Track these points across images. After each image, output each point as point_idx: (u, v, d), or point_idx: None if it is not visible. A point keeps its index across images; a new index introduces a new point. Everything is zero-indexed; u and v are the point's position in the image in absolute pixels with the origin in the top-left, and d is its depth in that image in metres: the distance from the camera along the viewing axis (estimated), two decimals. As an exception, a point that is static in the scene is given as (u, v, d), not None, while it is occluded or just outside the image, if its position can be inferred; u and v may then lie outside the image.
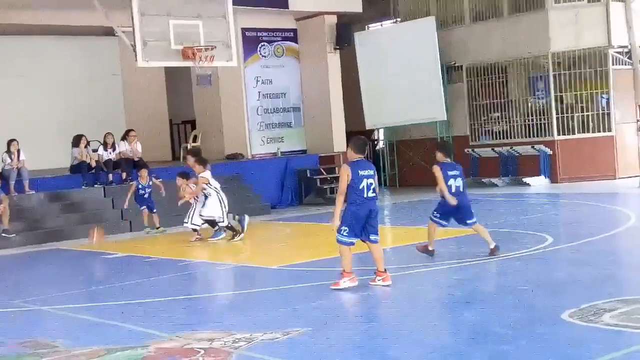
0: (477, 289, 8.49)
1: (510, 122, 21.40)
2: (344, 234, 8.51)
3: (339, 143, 21.63)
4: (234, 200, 18.11)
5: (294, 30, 21.80)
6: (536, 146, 20.60)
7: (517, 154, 21.07)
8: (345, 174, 8.48)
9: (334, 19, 21.47)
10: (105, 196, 17.08)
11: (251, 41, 21.01)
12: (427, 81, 20.88)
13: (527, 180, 20.33)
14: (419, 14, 22.82)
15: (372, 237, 8.64)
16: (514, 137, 21.26)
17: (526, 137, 21.02)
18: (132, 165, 17.53)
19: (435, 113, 21.11)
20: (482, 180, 21.22)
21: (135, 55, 14.76)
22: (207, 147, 21.44)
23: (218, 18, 15.80)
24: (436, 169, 10.06)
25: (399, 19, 23.78)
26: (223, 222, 13.63)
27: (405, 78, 21.07)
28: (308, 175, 20.16)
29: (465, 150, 21.90)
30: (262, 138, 21.32)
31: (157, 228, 15.68)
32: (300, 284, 9.36)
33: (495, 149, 21.47)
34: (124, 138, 17.95)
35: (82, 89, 21.14)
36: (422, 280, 9.25)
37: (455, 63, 22.15)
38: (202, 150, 16.08)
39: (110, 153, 17.56)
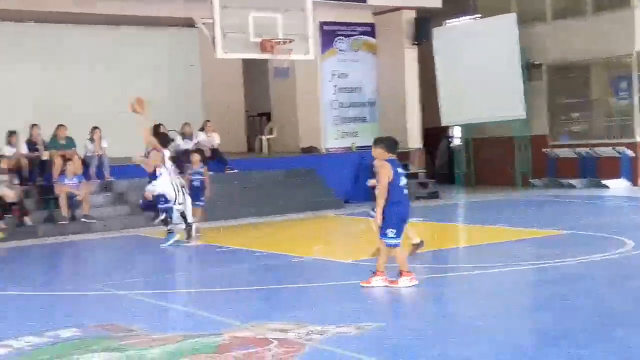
0: (555, 291, 8.34)
1: (590, 123, 20.94)
2: (391, 235, 8.34)
3: (414, 139, 21.52)
4: (307, 193, 18.28)
5: (372, 25, 21.75)
6: (617, 148, 20.11)
7: (597, 155, 20.60)
8: (386, 170, 8.25)
9: (412, 14, 21.35)
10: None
11: (328, 35, 21.05)
12: (506, 79, 20.57)
13: (606, 182, 19.86)
14: (499, 10, 22.45)
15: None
16: (594, 138, 20.80)
17: (607, 138, 20.54)
18: (209, 155, 17.76)
19: (513, 111, 20.78)
20: (560, 181, 20.82)
21: (215, 47, 14.95)
22: (282, 140, 21.65)
23: (297, 11, 15.89)
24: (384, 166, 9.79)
25: (478, 15, 23.47)
26: (173, 204, 12.80)
27: (483, 75, 20.80)
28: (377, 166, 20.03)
29: (543, 149, 21.52)
30: (337, 132, 21.34)
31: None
32: (373, 279, 9.34)
33: (575, 149, 21.04)
34: (202, 128, 18.22)
35: (162, 79, 21.50)
36: (499, 280, 9.13)
37: (535, 61, 21.75)
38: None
39: (187, 142, 17.83)
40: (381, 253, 8.56)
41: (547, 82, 21.71)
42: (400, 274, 8.47)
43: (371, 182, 9.80)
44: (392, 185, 8.28)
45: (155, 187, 12.63)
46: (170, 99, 21.40)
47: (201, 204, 14.55)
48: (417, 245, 10.57)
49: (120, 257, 12.47)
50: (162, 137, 13.08)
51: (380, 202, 8.31)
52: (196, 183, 14.93)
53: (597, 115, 20.81)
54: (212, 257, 12.00)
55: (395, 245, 8.43)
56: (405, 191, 8.42)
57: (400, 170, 8.40)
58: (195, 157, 15.25)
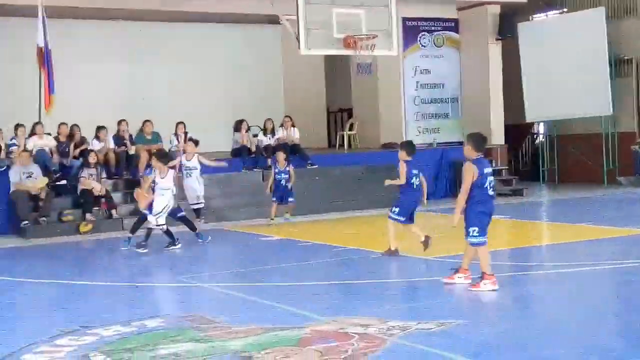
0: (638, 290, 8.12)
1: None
2: (475, 234, 8.29)
3: (497, 135, 21.20)
4: (387, 189, 18.17)
5: (455, 20, 21.51)
6: None
7: (689, 154, 19.92)
8: (470, 172, 8.23)
9: (497, 9, 21.03)
10: (263, 180, 17.48)
11: (411, 31, 20.92)
12: (594, 74, 20.05)
13: (698, 181, 19.21)
14: (588, 4, 21.94)
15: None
16: (686, 136, 20.11)
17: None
18: (291, 151, 17.88)
19: (600, 107, 20.25)
20: (648, 179, 20.23)
21: (299, 43, 15.02)
22: (363, 136, 21.62)
23: (380, 7, 15.83)
24: (402, 165, 10.62)
25: (565, 9, 22.95)
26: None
27: (570, 71, 20.33)
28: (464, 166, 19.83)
29: (632, 147, 20.90)
30: (418, 128, 21.19)
31: (272, 219, 15.22)
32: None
33: (664, 147, 20.39)
34: (281, 125, 18.38)
35: (245, 76, 21.76)
36: (584, 279, 8.93)
37: (625, 56, 21.15)
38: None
39: (269, 138, 18.00)
40: (467, 252, 8.48)
41: (636, 78, 21.08)
42: (482, 276, 8.34)
43: (387, 181, 11.13)
44: (476, 185, 8.24)
45: (157, 218, 12.29)
46: (252, 95, 21.65)
47: (291, 201, 15.02)
48: (426, 242, 10.70)
49: (203, 250, 12.65)
50: (162, 158, 12.65)
51: (461, 202, 8.30)
52: (282, 182, 15.12)
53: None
54: (293, 251, 12.08)
55: (479, 244, 8.34)
56: (491, 191, 8.36)
57: (487, 170, 8.34)
58: (281, 156, 15.47)
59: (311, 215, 16.33)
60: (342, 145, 21.74)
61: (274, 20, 17.87)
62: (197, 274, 10.25)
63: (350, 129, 21.94)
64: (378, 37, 15.55)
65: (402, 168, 10.61)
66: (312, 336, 6.61)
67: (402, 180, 10.62)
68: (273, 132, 18.15)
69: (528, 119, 22.12)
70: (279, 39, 21.77)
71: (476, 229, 8.26)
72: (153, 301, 8.59)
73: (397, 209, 10.68)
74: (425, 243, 10.70)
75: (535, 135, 25.04)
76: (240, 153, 17.76)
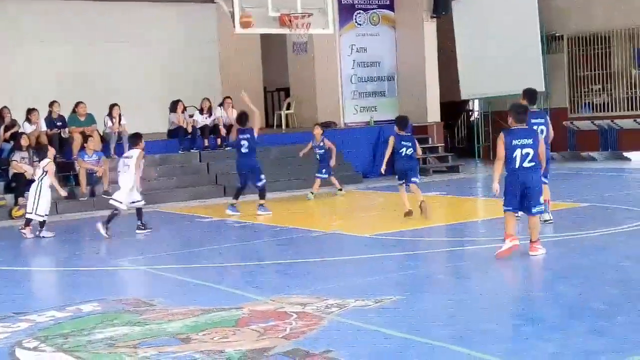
0: (576, 263, 8.30)
1: (612, 95, 20.72)
2: (503, 202, 8.58)
3: (433, 113, 21.38)
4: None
5: (391, -2, 21.58)
6: (639, 120, 19.89)
7: (618, 128, 20.40)
8: (500, 143, 8.54)
9: (431, -13, 21.15)
10: (200, 161, 17.41)
11: (347, 9, 20.91)
12: (526, 51, 20.34)
13: (627, 154, 19.68)
14: (520, -19, 22.21)
15: (533, 209, 8.54)
16: (616, 110, 20.58)
17: (629, 110, 20.32)
18: (228, 131, 17.78)
19: (533, 84, 20.37)
20: (581, 153, 20.67)
21: (233, 22, 14.88)
22: (301, 115, 21.60)
23: (315, -15, 15.76)
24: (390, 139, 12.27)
25: (498, -13, 23.20)
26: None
27: (503, 48, 20.59)
28: (421, 153, 19.97)
29: (564, 122, 21.32)
30: (356, 107, 21.26)
31: (339, 190, 15.76)
32: (393, 253, 9.36)
33: (595, 122, 20.85)
34: (221, 104, 18.23)
35: (180, 55, 21.51)
36: (519, 253, 9.09)
37: (556, 33, 21.51)
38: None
39: (206, 118, 17.85)
40: (505, 219, 8.66)
41: (568, 54, 21.48)
42: (504, 237, 8.58)
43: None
44: (506, 157, 8.47)
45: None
46: (189, 75, 21.43)
47: (324, 176, 15.27)
48: (408, 213, 11.82)
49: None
50: None
51: (495, 168, 8.67)
52: (318, 156, 15.48)
53: (619, 87, 20.58)
54: (232, 232, 12.03)
55: (507, 211, 8.58)
56: (526, 163, 8.41)
57: (517, 141, 8.45)
58: (317, 131, 15.67)
59: (250, 195, 16.26)
60: (279, 124, 21.69)
61: (209, -1, 17.69)
62: (133, 257, 10.14)
63: (288, 108, 21.90)
64: (313, 15, 15.49)
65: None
66: (250, 316, 6.61)
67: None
68: (210, 112, 17.99)
69: (463, 96, 22.37)
70: (214, 18, 21.56)
71: (504, 197, 8.57)
72: (88, 285, 8.46)
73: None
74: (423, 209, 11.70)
75: (470, 112, 25.35)
76: (176, 134, 17.58)
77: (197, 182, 16.92)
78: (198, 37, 21.90)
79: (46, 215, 12.06)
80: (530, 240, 8.62)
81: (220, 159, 17.48)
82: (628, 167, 18.66)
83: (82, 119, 16.46)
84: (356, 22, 21.11)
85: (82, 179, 15.23)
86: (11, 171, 14.97)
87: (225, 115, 18.05)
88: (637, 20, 19.78)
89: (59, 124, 16.35)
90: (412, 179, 12.06)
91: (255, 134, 13.41)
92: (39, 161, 12.50)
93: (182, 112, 17.68)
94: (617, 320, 5.99)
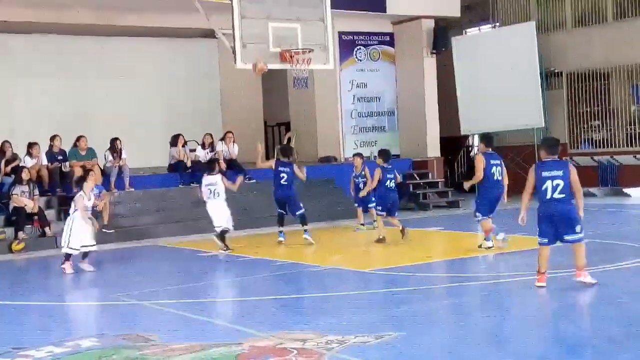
0: (575, 300, 8.28)
1: (611, 131, 20.80)
2: (538, 234, 8.70)
3: (433, 148, 21.46)
4: (326, 203, 18.26)
5: (391, 34, 21.76)
6: (638, 156, 19.95)
7: (618, 164, 20.45)
8: (530, 175, 8.76)
9: (431, 23, 21.33)
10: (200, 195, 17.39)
11: (347, 44, 21.08)
12: (526, 87, 20.47)
13: (627, 190, 19.70)
14: (519, 18, 22.42)
15: (566, 237, 8.67)
16: (615, 146, 20.65)
17: (628, 146, 20.39)
18: (228, 166, 17.83)
19: (532, 119, 20.67)
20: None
21: (235, 57, 14.96)
22: (301, 149, 21.64)
23: (316, 21, 15.87)
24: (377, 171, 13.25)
25: (497, 24, 23.42)
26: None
27: (502, 84, 20.71)
28: (401, 180, 20.02)
29: (564, 158, 21.34)
30: (356, 141, 21.33)
31: (361, 225, 15.70)
32: (393, 288, 9.34)
33: (595, 157, 20.90)
34: (222, 139, 18.31)
35: (181, 90, 21.63)
36: (518, 289, 9.08)
37: (555, 69, 21.66)
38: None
39: (207, 153, 17.90)
40: (539, 253, 8.80)
41: (567, 90, 21.60)
42: (537, 273, 8.76)
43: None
44: (536, 188, 8.65)
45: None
46: (189, 109, 21.54)
47: (370, 207, 15.06)
48: (381, 240, 13.09)
49: (139, 267, 12.51)
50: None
51: (522, 200, 8.78)
52: (361, 186, 15.39)
53: (618, 123, 20.67)
54: (233, 266, 12.00)
55: (542, 244, 8.72)
56: (556, 194, 8.55)
57: (547, 173, 8.63)
58: (358, 161, 15.75)
59: (251, 230, 16.27)
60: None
61: (210, 34, 17.80)
62: (133, 291, 10.10)
63: (288, 142, 21.93)
64: (314, 51, 15.59)
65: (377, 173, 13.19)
66: (250, 352, 6.57)
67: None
68: (212, 147, 18.06)
69: (463, 132, 22.44)
70: (215, 52, 21.70)
71: (539, 229, 8.71)
72: (87, 320, 8.44)
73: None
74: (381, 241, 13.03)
75: (470, 147, 25.41)
76: (176, 168, 17.62)
77: (197, 216, 16.88)
78: (199, 72, 22.03)
79: (84, 247, 11.69)
80: (577, 267, 8.72)
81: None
82: (628, 203, 18.67)
83: (83, 153, 16.51)
84: (356, 57, 21.26)
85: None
86: (12, 205, 14.98)
87: (226, 149, 18.10)
88: (635, 57, 19.92)
89: (59, 157, 16.40)
90: (396, 213, 13.42)
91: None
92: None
93: (183, 146, 17.74)
94: (618, 358, 5.96)
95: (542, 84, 20.79)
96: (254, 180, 18.05)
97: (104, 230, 15.35)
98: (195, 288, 10.18)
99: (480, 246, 11.87)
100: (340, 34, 20.60)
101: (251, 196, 17.50)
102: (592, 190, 20.40)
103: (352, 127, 21.27)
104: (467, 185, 12.41)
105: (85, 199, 11.70)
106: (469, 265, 11.30)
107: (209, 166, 13.80)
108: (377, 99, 21.67)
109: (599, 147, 21.08)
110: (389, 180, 13.19)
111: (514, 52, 20.71)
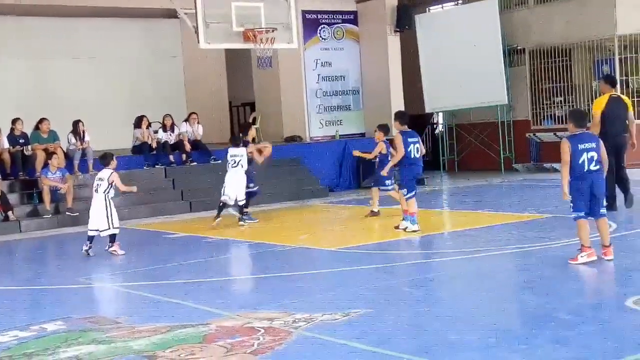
0: (539, 274, 8.39)
1: (573, 107, 20.98)
2: (572, 209, 8.63)
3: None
4: (292, 182, 18.28)
5: (354, 13, 21.70)
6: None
7: (580, 139, 20.65)
8: (565, 147, 8.57)
9: (394, 2, 21.30)
10: (166, 177, 17.32)
11: (311, 23, 21.00)
12: (489, 64, 20.58)
13: (590, 165, 19.91)
14: (482, -5, 22.49)
15: (601, 210, 8.65)
16: (577, 122, 20.82)
17: (589, 122, 20.55)
18: (193, 147, 17.76)
19: (496, 96, 20.81)
20: (544, 165, 20.91)
21: (197, 37, 14.87)
22: (266, 130, 21.59)
23: (279, 0, 15.82)
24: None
25: (460, 1, 23.49)
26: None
27: (466, 61, 20.80)
28: (367, 158, 20.08)
29: (527, 134, 21.58)
30: (321, 121, 21.31)
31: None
32: (360, 266, 9.38)
33: (558, 133, 21.09)
34: (187, 120, 18.20)
35: (144, 71, 21.41)
36: (484, 264, 9.18)
37: (517, 46, 21.79)
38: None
39: (169, 135, 17.79)
40: (578, 228, 8.66)
41: (529, 67, 21.77)
42: (581, 249, 8.59)
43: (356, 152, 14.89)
44: (572, 161, 8.50)
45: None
46: (153, 90, 21.33)
47: (390, 188, 13.72)
48: (375, 213, 13.35)
49: (104, 250, 12.41)
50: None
51: (562, 175, 8.61)
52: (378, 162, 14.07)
53: (580, 99, 20.87)
54: (198, 247, 11.97)
55: (578, 218, 8.59)
56: (593, 166, 8.50)
57: (583, 145, 8.52)
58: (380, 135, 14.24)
59: (215, 211, 16.23)
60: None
61: (172, 14, 17.65)
62: (99, 274, 10.04)
63: (253, 122, 21.86)
64: (278, 30, 15.53)
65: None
66: (217, 332, 6.58)
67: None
68: (173, 128, 17.94)
69: (427, 110, 22.54)
70: (178, 33, 21.50)
71: (572, 203, 8.60)
72: (53, 304, 8.36)
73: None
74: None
75: (435, 125, 25.54)
76: (141, 150, 17.49)
77: (162, 198, 16.83)
78: (162, 53, 21.82)
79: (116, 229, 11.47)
80: (604, 245, 8.68)
81: (185, 175, 17.42)
82: (590, 177, 18.87)
83: (45, 135, 16.30)
84: (320, 36, 21.19)
85: (46, 196, 15.07)
86: (-27, 189, 14.78)
87: (190, 130, 18.01)
88: (596, 33, 20.11)
89: (21, 141, 16.18)
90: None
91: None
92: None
93: (147, 127, 17.60)
94: (581, 330, 6.06)
95: (505, 61, 20.93)
96: (219, 161, 18.00)
97: (68, 213, 15.23)
98: (162, 270, 10.14)
99: (403, 228, 11.64)
100: (304, 12, 20.51)
101: (217, 177, 17.43)
102: (555, 165, 20.59)
103: (317, 106, 21.23)
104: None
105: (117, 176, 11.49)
106: (435, 241, 11.39)
107: (234, 141, 14.05)
108: (342, 78, 21.64)
109: (562, 123, 21.26)
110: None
111: (477, 29, 20.79)
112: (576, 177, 8.58)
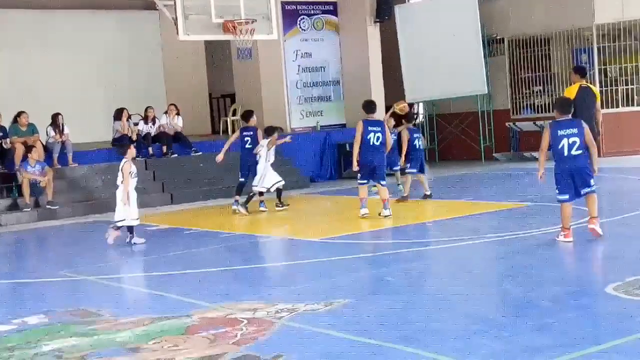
0: (520, 262, 8.45)
1: (552, 96, 21.12)
2: (557, 191, 9.00)
3: (378, 116, 21.44)
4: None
5: (334, 4, 21.67)
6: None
7: (559, 128, 20.78)
8: (545, 134, 9.01)
9: (374, -8, 21.30)
10: (147, 169, 17.24)
11: (291, 14, 20.95)
12: (468, 54, 20.65)
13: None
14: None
15: (582, 191, 8.96)
16: (556, 111, 20.96)
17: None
18: (172, 139, 17.71)
19: (476, 86, 20.89)
20: (523, 154, 21.03)
21: (177, 29, 14.82)
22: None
23: (258, -9, 15.79)
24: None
25: (439, -8, 23.50)
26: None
27: (445, 51, 20.86)
28: (347, 149, 20.07)
29: (507, 123, 21.69)
30: (302, 112, 21.30)
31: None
32: (341, 256, 9.41)
33: (537, 122, 21.22)
34: (166, 112, 18.14)
35: (124, 63, 21.28)
36: (465, 253, 9.23)
37: (496, 35, 21.89)
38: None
39: (150, 127, 17.72)
40: (561, 210, 9.07)
41: (509, 57, 21.86)
42: (561, 229, 9.06)
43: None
44: (552, 147, 8.92)
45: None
46: (132, 82, 21.21)
47: (413, 170, 14.04)
48: (404, 198, 13.78)
49: (85, 242, 12.36)
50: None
51: (539, 159, 9.28)
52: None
53: (559, 88, 20.99)
54: (180, 239, 11.94)
55: (563, 201, 8.95)
56: (574, 151, 8.82)
57: (563, 132, 8.84)
58: (390, 123, 14.89)
59: (198, 202, 16.21)
60: (225, 131, 21.61)
61: (151, 6, 17.56)
62: (79, 267, 10.00)
63: (234, 114, 21.82)
64: (257, 21, 15.50)
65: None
66: (200, 323, 6.58)
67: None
68: (154, 121, 17.87)
69: (408, 100, 22.50)
70: (157, 24, 21.38)
71: (558, 186, 8.97)
72: (34, 297, 8.33)
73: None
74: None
75: (415, 115, 25.57)
76: (121, 142, 17.37)
77: (143, 190, 16.74)
78: (141, 45, 21.68)
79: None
80: (591, 217, 9.02)
81: (166, 166, 17.36)
82: (569, 166, 19.00)
83: (24, 129, 16.16)
84: (300, 27, 21.16)
85: (26, 189, 14.98)
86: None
87: (169, 121, 17.95)
88: (575, 23, 20.22)
89: (0, 134, 16.05)
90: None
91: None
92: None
93: (127, 120, 17.51)
94: (561, 317, 6.12)
95: (485, 51, 21.01)
96: (200, 153, 17.99)
97: (48, 206, 15.15)
98: (143, 261, 10.12)
99: (383, 215, 12.01)
100: (284, 3, 20.46)
101: (198, 169, 17.42)
102: (535, 154, 20.70)
103: (297, 98, 21.21)
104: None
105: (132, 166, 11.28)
106: (415, 231, 11.43)
107: (267, 132, 14.14)
108: (322, 69, 21.63)
109: (541, 112, 21.40)
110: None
111: (456, 19, 20.85)
112: (557, 161, 8.95)
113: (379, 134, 11.82)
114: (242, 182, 14.16)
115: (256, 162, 13.95)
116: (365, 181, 12.14)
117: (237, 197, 14.02)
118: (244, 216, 13.58)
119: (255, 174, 13.89)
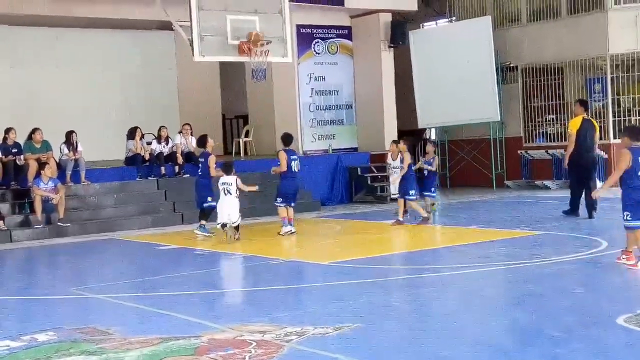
0: (530, 291, 8.42)
1: (565, 125, 21.11)
2: (627, 218, 9.04)
3: (391, 141, 21.54)
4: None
5: (349, 28, 21.80)
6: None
7: (572, 157, 20.74)
8: (626, 157, 8.92)
9: (388, 17, 21.42)
10: (158, 188, 17.32)
11: (305, 38, 21.08)
12: (482, 81, 20.71)
13: (581, 183, 19.98)
14: (475, 13, 22.67)
15: None
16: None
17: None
18: (186, 159, 17.77)
19: (488, 113, 20.92)
20: (535, 182, 20.99)
21: (192, 50, 14.92)
22: (259, 142, 21.65)
23: (274, 14, 15.91)
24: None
25: (454, 18, 23.63)
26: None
27: (459, 78, 20.92)
28: (359, 172, 20.16)
29: (519, 151, 21.68)
30: (314, 135, 21.35)
31: (432, 205, 15.44)
32: (351, 280, 9.40)
33: (549, 151, 21.21)
34: (180, 131, 18.22)
35: (138, 83, 21.44)
36: (475, 280, 9.20)
37: (510, 63, 21.94)
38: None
39: (163, 147, 17.80)
40: (627, 236, 9.19)
41: (522, 84, 21.89)
42: (622, 252, 9.22)
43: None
44: (629, 172, 8.89)
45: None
46: (147, 101, 21.36)
47: (413, 197, 14.48)
48: (425, 219, 14.29)
49: (96, 261, 12.39)
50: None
51: (611, 180, 9.40)
52: (426, 172, 15.24)
53: (571, 116, 20.95)
54: (190, 260, 11.96)
55: (631, 228, 8.97)
56: None
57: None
58: (430, 148, 15.72)
59: (209, 223, 16.21)
60: (238, 152, 21.68)
61: (167, 26, 17.69)
62: (90, 285, 10.02)
63: (246, 135, 21.92)
64: (272, 43, 15.60)
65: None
66: (209, 345, 6.57)
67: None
68: (167, 140, 17.95)
69: (420, 125, 22.63)
70: (172, 44, 21.56)
71: (629, 213, 8.97)
72: (44, 314, 8.34)
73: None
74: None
75: (427, 141, 25.59)
76: (134, 161, 17.48)
77: (154, 209, 16.83)
78: (156, 64, 21.86)
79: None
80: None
81: (178, 186, 17.42)
82: (581, 195, 18.92)
83: (38, 145, 16.27)
84: (314, 51, 21.27)
85: (38, 206, 15.04)
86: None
87: (184, 142, 18.01)
88: (588, 52, 20.25)
89: (14, 150, 16.14)
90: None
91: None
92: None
93: (140, 139, 17.60)
94: (571, 347, 6.09)
95: (498, 78, 21.06)
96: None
97: (59, 224, 15.20)
98: (154, 282, 10.13)
99: (279, 233, 13.52)
100: (299, 26, 20.59)
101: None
102: (546, 183, 20.70)
103: (310, 120, 21.28)
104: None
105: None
106: (426, 256, 11.41)
107: (225, 169, 13.67)
108: (336, 92, 21.71)
109: (554, 140, 21.39)
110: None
111: (470, 46, 20.93)
112: (633, 187, 8.94)
113: (297, 162, 13.68)
114: (208, 208, 14.12)
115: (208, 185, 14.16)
116: (283, 205, 13.55)
117: (203, 222, 14.02)
118: (249, 240, 13.59)
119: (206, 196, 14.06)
